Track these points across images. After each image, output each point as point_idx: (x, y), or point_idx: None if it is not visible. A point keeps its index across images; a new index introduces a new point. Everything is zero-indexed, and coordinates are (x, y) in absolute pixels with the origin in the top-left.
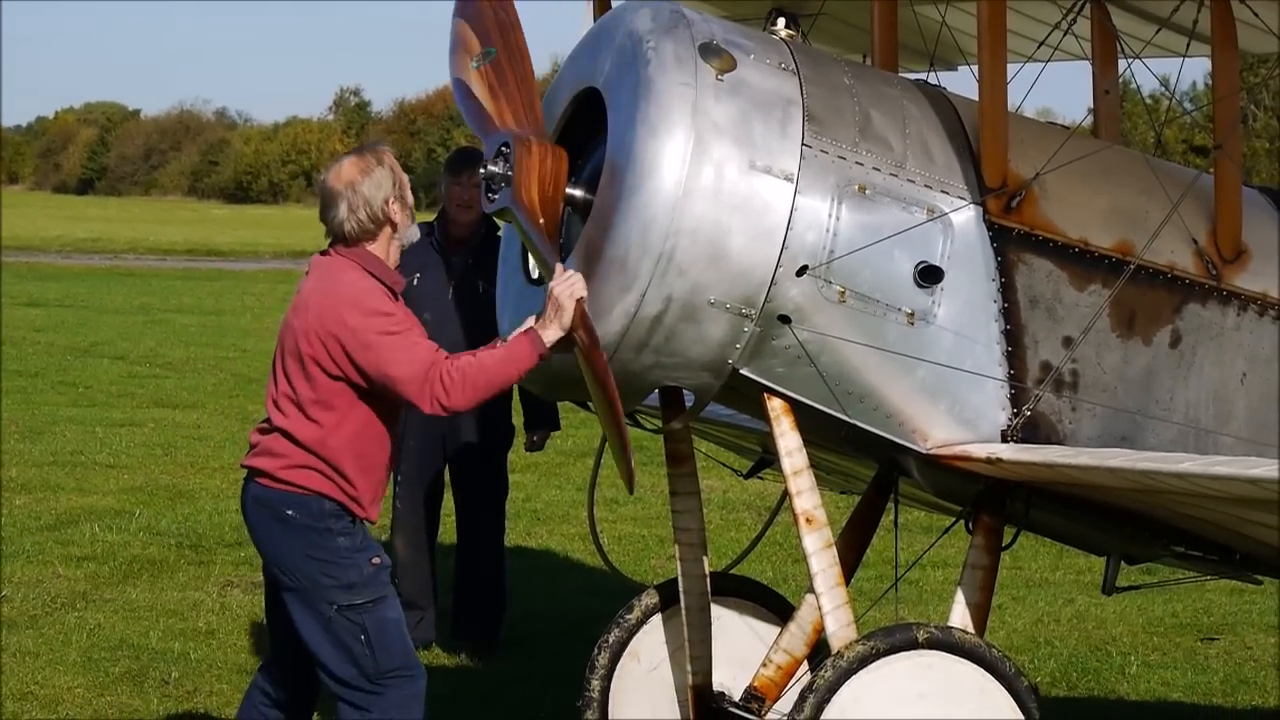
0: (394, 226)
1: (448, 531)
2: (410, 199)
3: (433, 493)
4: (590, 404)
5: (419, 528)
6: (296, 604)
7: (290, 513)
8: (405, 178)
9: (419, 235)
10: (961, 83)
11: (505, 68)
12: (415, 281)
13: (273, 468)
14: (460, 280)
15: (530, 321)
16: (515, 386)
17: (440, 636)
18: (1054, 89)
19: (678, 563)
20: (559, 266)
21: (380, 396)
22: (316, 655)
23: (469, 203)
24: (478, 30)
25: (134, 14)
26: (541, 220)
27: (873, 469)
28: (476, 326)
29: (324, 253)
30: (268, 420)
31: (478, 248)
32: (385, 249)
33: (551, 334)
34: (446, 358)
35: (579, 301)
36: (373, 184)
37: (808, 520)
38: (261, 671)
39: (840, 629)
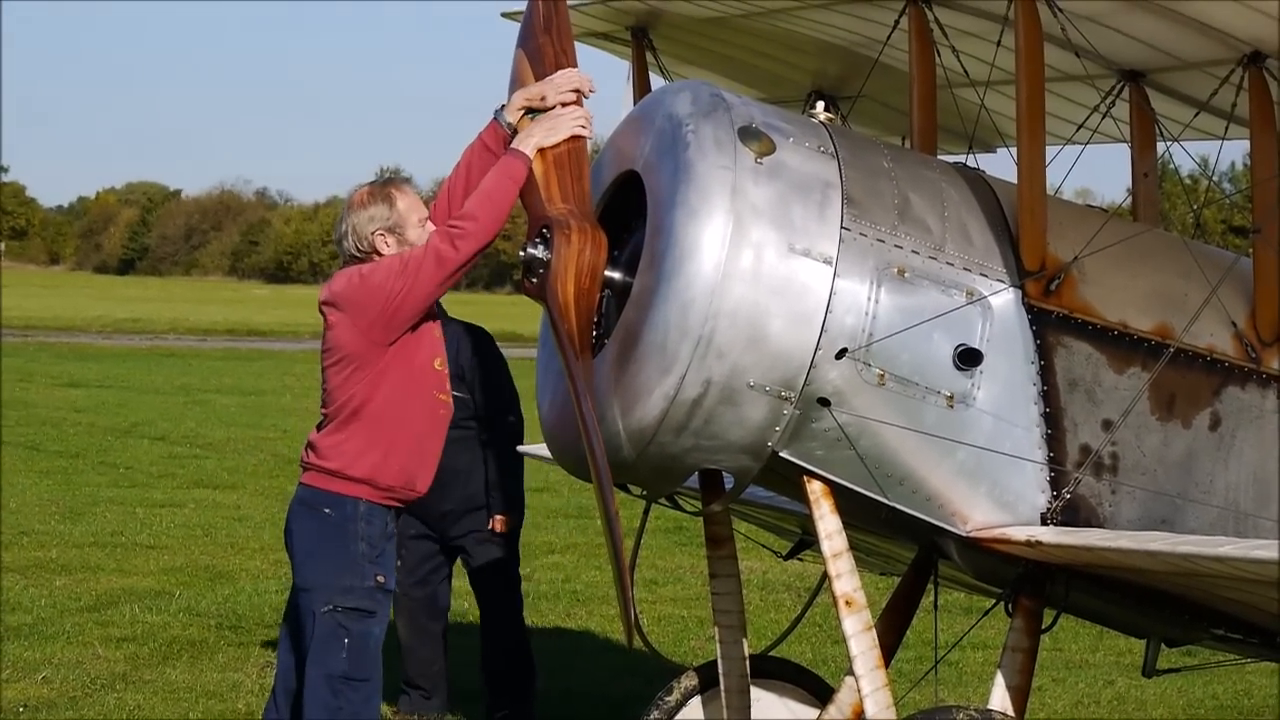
0: (381, 256)
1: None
2: (411, 230)
3: (432, 575)
4: (629, 487)
5: (418, 612)
6: (305, 601)
7: (327, 510)
8: (410, 210)
9: None
10: (1000, 165)
11: None
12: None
13: (322, 469)
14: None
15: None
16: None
17: (474, 716)
18: (1093, 169)
19: (717, 644)
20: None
21: (408, 353)
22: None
23: None
24: (537, 71)
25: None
26: (575, 313)
27: (912, 551)
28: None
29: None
30: (324, 428)
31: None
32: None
33: (533, 144)
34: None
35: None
36: (365, 217)
37: (847, 603)
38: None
39: (880, 711)
